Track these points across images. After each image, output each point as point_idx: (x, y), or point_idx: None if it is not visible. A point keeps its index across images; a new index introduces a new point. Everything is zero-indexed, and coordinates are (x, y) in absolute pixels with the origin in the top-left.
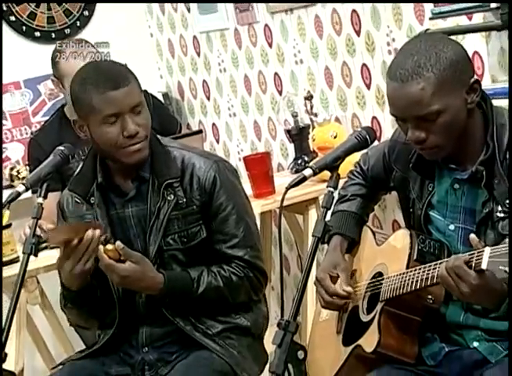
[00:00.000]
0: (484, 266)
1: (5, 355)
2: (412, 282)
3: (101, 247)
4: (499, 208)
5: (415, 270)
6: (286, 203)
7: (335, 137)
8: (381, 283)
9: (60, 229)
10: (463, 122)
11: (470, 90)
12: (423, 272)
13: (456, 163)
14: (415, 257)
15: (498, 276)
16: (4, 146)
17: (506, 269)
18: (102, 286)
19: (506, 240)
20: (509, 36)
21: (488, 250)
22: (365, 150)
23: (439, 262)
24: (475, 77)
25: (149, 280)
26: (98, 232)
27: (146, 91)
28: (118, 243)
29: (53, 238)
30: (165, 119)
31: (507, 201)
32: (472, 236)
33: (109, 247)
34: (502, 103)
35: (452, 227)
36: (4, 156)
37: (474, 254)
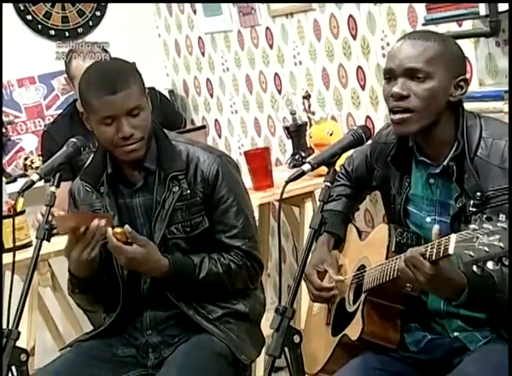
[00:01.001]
0: (451, 251)
1: (19, 333)
2: (390, 272)
3: (110, 229)
4: (471, 202)
5: (392, 260)
6: (284, 196)
7: (331, 134)
8: (364, 275)
9: (68, 217)
10: (441, 106)
11: (457, 85)
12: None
13: (430, 158)
14: (393, 249)
15: (464, 260)
16: (19, 137)
17: (471, 253)
18: (108, 272)
19: (471, 226)
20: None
21: (454, 236)
22: (350, 152)
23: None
24: (465, 77)
25: (154, 263)
26: (103, 221)
27: (153, 88)
28: (127, 226)
29: (61, 226)
30: (171, 114)
31: (478, 194)
32: (436, 229)
33: (118, 230)
34: (489, 105)
35: (428, 220)
36: (18, 147)
37: (436, 243)
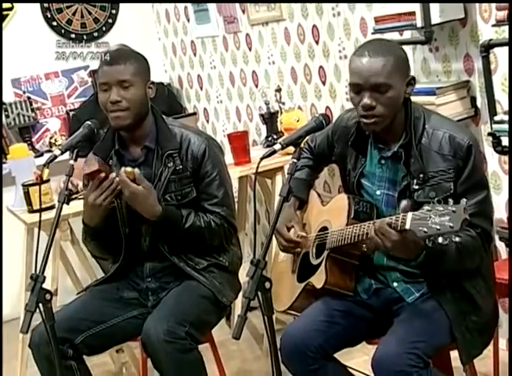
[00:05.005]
0: (407, 227)
1: (44, 278)
2: (351, 236)
3: (122, 168)
4: (415, 181)
5: (353, 227)
6: (258, 170)
7: (297, 121)
8: (327, 236)
9: (94, 162)
10: (400, 105)
11: (408, 83)
12: (359, 229)
13: (383, 144)
14: (352, 215)
15: (418, 235)
16: (45, 120)
17: (425, 229)
18: (114, 230)
19: (424, 207)
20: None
21: (410, 214)
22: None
23: (371, 221)
24: (412, 75)
25: (150, 206)
26: (118, 179)
27: (162, 83)
28: (136, 170)
29: (88, 167)
30: (174, 104)
31: (421, 176)
32: (404, 204)
33: (128, 169)
34: (424, 98)
35: (378, 193)
36: (45, 128)
37: (398, 217)
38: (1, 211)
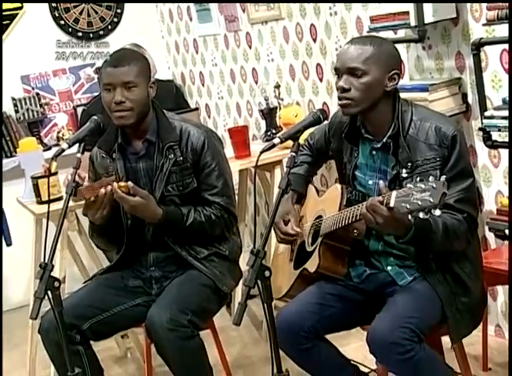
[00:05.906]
0: (392, 204)
1: (53, 266)
2: (342, 220)
3: (115, 184)
4: (404, 170)
5: (344, 212)
6: (258, 163)
7: (296, 116)
8: (321, 223)
9: (81, 191)
10: (377, 94)
11: (390, 77)
12: (349, 212)
13: (373, 135)
14: (344, 203)
15: (401, 211)
16: (53, 115)
17: (408, 205)
18: (118, 222)
19: (408, 185)
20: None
21: (394, 192)
22: (312, 129)
23: (359, 205)
24: (398, 71)
25: (151, 211)
26: (109, 188)
27: (169, 80)
28: (129, 182)
29: (79, 194)
30: (181, 101)
31: (409, 164)
32: (381, 184)
33: (122, 183)
34: (417, 95)
35: (370, 182)
36: (53, 123)
37: (384, 196)
38: (1, 204)
